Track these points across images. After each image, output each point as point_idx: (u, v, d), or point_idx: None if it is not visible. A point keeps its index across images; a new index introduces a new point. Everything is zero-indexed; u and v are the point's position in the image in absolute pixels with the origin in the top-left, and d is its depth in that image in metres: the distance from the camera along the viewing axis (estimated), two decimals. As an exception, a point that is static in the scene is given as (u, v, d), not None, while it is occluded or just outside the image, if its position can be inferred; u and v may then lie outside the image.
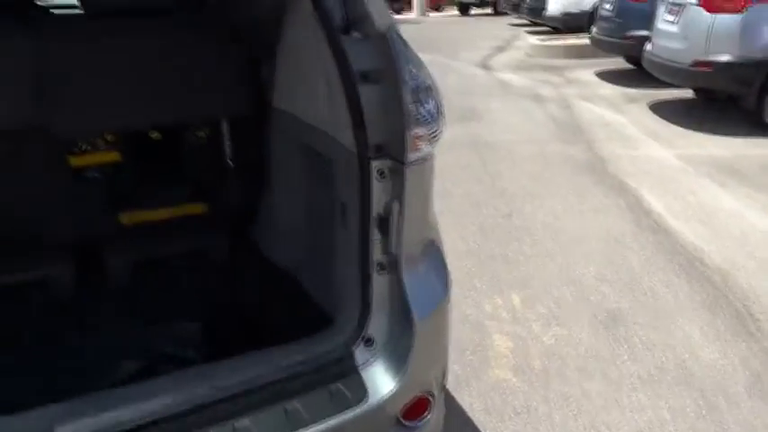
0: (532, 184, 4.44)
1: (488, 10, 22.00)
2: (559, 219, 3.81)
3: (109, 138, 1.70)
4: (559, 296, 2.90)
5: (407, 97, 1.26)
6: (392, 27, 1.29)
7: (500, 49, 11.84)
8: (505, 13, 18.81)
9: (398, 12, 20.45)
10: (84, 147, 1.69)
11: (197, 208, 1.93)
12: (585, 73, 8.86)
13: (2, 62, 1.51)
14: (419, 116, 1.29)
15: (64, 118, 1.54)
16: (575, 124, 6.14)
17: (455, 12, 23.04)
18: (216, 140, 1.83)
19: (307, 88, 1.58)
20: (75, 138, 1.65)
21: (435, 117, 1.33)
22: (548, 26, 13.78)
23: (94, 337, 1.95)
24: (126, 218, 1.85)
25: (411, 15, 20.77)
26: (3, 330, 1.83)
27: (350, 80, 1.28)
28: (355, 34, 1.31)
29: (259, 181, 1.96)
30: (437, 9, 23.60)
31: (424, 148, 1.32)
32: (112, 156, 1.74)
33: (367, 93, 1.29)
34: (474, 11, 22.42)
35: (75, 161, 1.70)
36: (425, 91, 1.32)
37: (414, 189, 1.32)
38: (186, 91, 1.65)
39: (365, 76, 1.29)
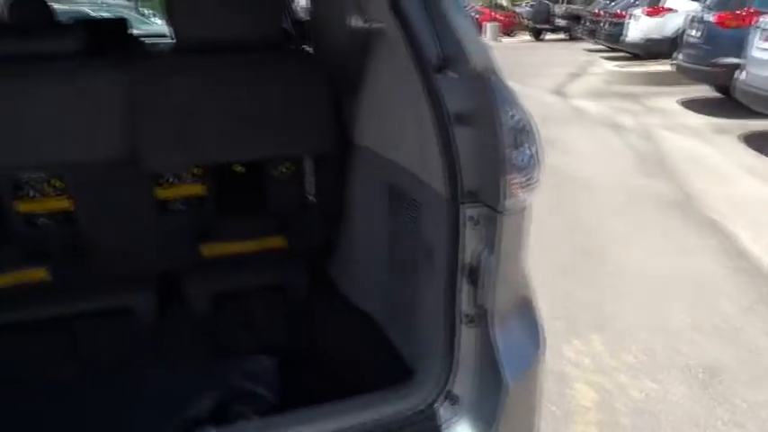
0: (613, 220, 4.22)
1: (562, 35, 21.67)
2: (644, 258, 3.58)
3: (195, 171, 1.71)
4: (647, 344, 2.69)
5: (504, 141, 1.18)
6: (490, 66, 1.22)
7: (575, 76, 11.56)
8: (580, 39, 18.46)
9: (470, 37, 20.42)
10: (170, 179, 1.70)
11: (277, 242, 1.91)
12: (668, 101, 8.48)
13: (95, 95, 1.54)
14: (516, 161, 1.21)
15: (154, 151, 1.56)
16: (658, 156, 5.85)
17: (527, 37, 22.84)
18: (298, 175, 1.81)
19: (394, 126, 1.53)
20: (163, 171, 1.66)
21: (533, 163, 1.24)
22: (626, 52, 13.39)
23: (172, 367, 1.96)
24: (207, 250, 1.85)
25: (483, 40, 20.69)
26: (85, 356, 1.87)
27: (443, 122, 1.22)
28: (450, 73, 1.24)
29: (339, 217, 1.92)
30: (509, 34, 23.47)
31: (521, 195, 1.23)
32: (197, 189, 1.74)
33: (461, 135, 1.22)
34: (547, 36, 22.14)
35: (162, 193, 1.71)
36: (524, 135, 1.23)
37: (509, 239, 1.24)
38: (273, 128, 1.64)
39: (460, 118, 1.22)
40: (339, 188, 1.88)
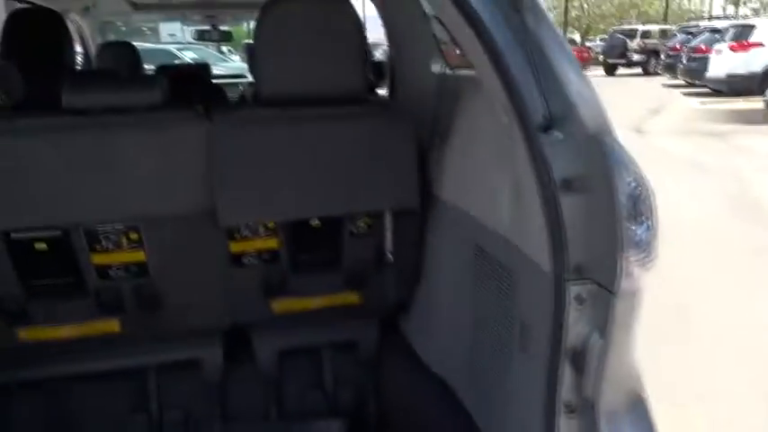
0: (705, 272, 3.88)
1: (637, 70, 21.04)
2: (746, 319, 3.24)
3: (269, 224, 1.64)
4: (760, 423, 2.38)
5: (621, 213, 1.03)
6: (604, 126, 1.08)
7: (654, 112, 11.09)
8: (656, 74, 17.85)
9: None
10: (244, 233, 1.64)
11: (350, 298, 1.81)
12: (759, 140, 7.96)
13: (177, 147, 1.51)
14: (633, 235, 1.05)
15: (232, 206, 1.50)
16: (751, 200, 5.43)
17: (600, 72, 22.31)
18: (376, 230, 1.71)
19: (485, 185, 1.41)
20: (239, 225, 1.60)
21: (651, 237, 1.09)
22: (708, 88, 12.80)
23: (237, 424, 1.88)
24: (277, 305, 1.78)
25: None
26: (153, 408, 1.82)
27: (549, 188, 1.08)
28: (556, 133, 1.11)
29: (418, 274, 1.80)
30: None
31: (637, 274, 1.07)
32: (271, 243, 1.67)
33: (569, 204, 1.08)
34: (621, 71, 21.56)
35: (235, 247, 1.65)
36: (642, 204, 1.08)
37: (621, 323, 1.08)
38: (355, 182, 1.55)
39: (568, 185, 1.08)
40: (419, 244, 1.77)
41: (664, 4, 31.80)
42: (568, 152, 1.09)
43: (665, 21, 28.88)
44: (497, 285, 1.38)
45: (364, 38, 1.52)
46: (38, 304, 1.60)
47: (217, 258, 1.65)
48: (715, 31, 13.91)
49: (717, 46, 12.34)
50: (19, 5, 2.66)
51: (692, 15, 32.78)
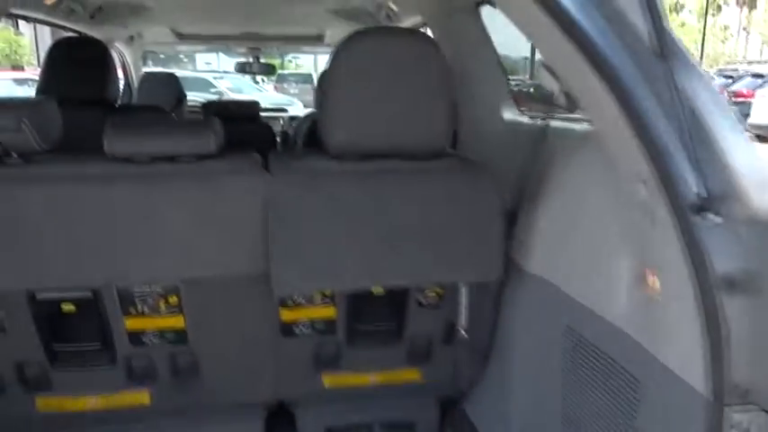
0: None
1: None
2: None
3: (327, 291, 1.43)
4: None
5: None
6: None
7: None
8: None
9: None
10: (298, 300, 1.44)
11: (410, 374, 1.59)
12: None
13: (229, 203, 1.32)
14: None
15: (287, 273, 1.30)
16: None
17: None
18: (447, 301, 1.49)
19: (593, 263, 1.18)
20: (293, 293, 1.40)
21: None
22: (750, 133, 12.45)
23: None
24: (329, 380, 1.56)
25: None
26: None
27: (707, 286, 0.85)
28: (713, 216, 0.88)
29: (491, 353, 1.57)
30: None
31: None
32: (327, 311, 1.47)
33: (733, 307, 0.84)
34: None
35: (287, 315, 1.45)
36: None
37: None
38: (430, 249, 1.33)
39: (730, 283, 0.85)
40: (495, 318, 1.54)
41: (698, 47, 31.50)
42: (730, 241, 0.86)
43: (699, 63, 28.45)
44: (608, 386, 1.13)
45: (452, 86, 1.31)
46: (61, 372, 1.41)
47: (266, 327, 1.44)
48: (758, 75, 13.57)
49: (761, 91, 12.00)
50: (64, 34, 2.56)
51: (728, 59, 32.37)
